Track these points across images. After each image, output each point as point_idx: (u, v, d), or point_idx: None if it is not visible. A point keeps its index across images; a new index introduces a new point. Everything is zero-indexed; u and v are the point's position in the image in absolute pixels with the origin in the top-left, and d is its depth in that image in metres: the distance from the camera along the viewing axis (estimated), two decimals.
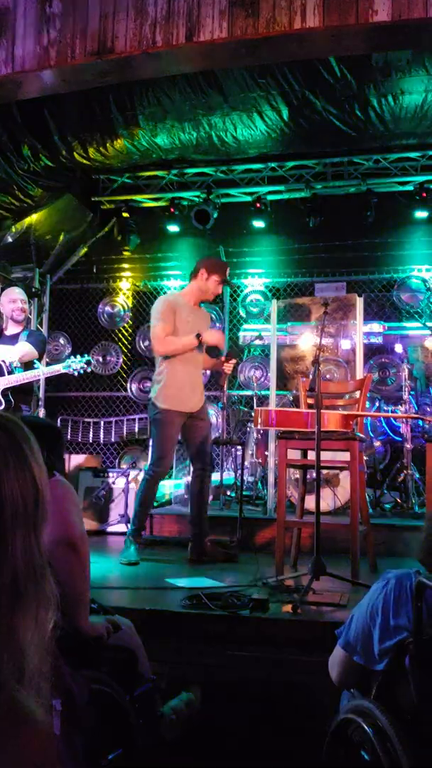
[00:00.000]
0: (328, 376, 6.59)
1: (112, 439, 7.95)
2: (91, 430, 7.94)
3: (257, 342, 7.25)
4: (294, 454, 4.44)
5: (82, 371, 5.07)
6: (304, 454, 4.45)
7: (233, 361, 4.87)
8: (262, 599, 3.26)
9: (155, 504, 6.11)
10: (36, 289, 7.59)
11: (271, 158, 6.97)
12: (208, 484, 4.83)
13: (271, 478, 5.78)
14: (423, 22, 3.64)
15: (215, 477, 5.12)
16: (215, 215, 7.27)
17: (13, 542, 1.01)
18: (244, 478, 6.02)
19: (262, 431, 6.48)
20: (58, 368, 5.04)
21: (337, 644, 1.89)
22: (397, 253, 7.50)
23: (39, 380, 5.23)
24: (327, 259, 7.64)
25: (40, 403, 7.29)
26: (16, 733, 0.89)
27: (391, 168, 7.07)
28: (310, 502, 4.64)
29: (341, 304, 6.56)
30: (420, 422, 6.17)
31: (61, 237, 7.66)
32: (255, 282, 7.93)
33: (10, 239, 7.13)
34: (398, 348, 6.92)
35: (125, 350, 8.36)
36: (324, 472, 5.21)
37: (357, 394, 4.58)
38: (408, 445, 6.08)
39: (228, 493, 6.32)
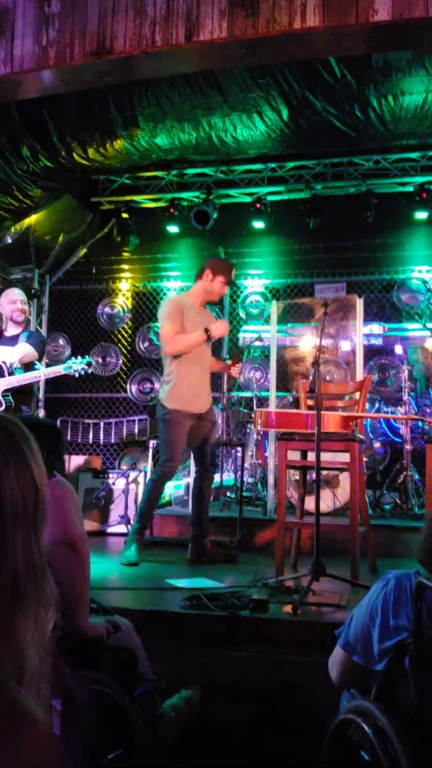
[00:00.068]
0: (327, 378, 6.58)
1: (112, 440, 7.95)
2: (91, 431, 7.94)
3: (257, 343, 7.25)
4: (294, 456, 4.43)
5: (83, 372, 5.07)
6: (304, 455, 4.45)
7: (240, 364, 4.91)
8: (262, 600, 3.26)
9: None
10: (35, 290, 7.59)
11: (270, 159, 6.97)
12: (209, 485, 4.84)
13: (270, 479, 5.78)
14: (423, 21, 3.63)
15: (215, 478, 5.13)
16: (215, 216, 7.27)
17: (13, 542, 1.01)
18: (244, 479, 6.02)
19: (262, 432, 6.47)
20: (59, 369, 5.04)
21: (337, 644, 1.89)
22: (397, 253, 7.50)
23: (39, 381, 5.22)
24: (327, 260, 7.64)
25: (39, 404, 7.29)
26: (16, 734, 0.89)
27: (391, 168, 7.08)
28: (309, 503, 4.64)
29: (341, 305, 6.56)
30: (420, 423, 6.17)
31: (61, 238, 7.66)
32: (255, 283, 7.93)
33: (9, 240, 7.13)
34: (398, 349, 6.93)
35: (125, 351, 8.35)
36: (324, 473, 5.21)
37: (357, 395, 4.58)
38: (408, 447, 6.07)
39: (228, 494, 6.31)
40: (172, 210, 7.52)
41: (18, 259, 7.46)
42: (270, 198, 7.40)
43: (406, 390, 6.18)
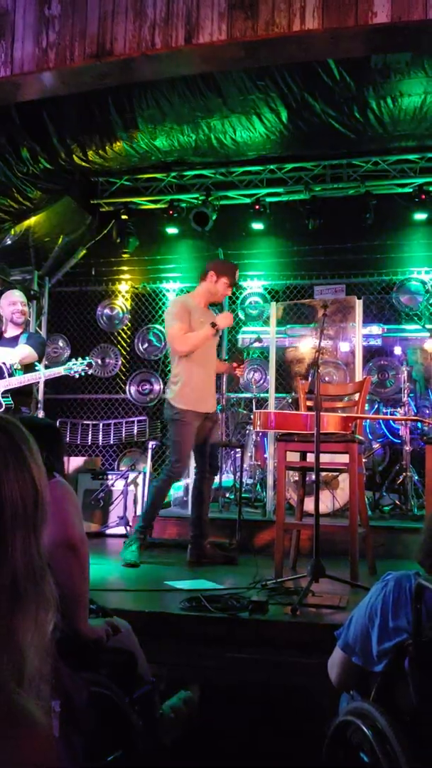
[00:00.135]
0: (327, 379, 6.59)
1: (111, 442, 7.94)
2: (90, 432, 7.93)
3: (256, 344, 7.25)
4: (293, 457, 4.44)
5: (83, 373, 5.07)
6: (303, 457, 4.45)
7: (243, 364, 4.93)
8: (261, 601, 3.26)
9: None
10: (35, 292, 7.59)
11: (270, 160, 6.98)
12: (209, 487, 4.84)
13: (270, 481, 5.78)
14: (423, 23, 3.64)
15: (215, 479, 5.13)
16: (214, 217, 7.28)
17: (13, 543, 1.00)
18: (243, 480, 6.02)
19: (261, 433, 6.48)
20: (59, 370, 5.05)
21: (336, 645, 1.89)
22: (397, 255, 7.50)
23: (38, 382, 5.23)
24: (326, 262, 7.64)
25: (39, 405, 7.29)
26: (16, 735, 0.89)
27: (390, 170, 7.09)
28: (309, 505, 4.64)
29: (340, 306, 6.56)
30: (419, 424, 6.17)
31: (60, 239, 7.67)
32: (254, 284, 7.93)
33: (8, 241, 7.13)
34: (397, 350, 6.93)
35: (124, 353, 8.35)
36: (323, 474, 5.21)
37: (356, 396, 4.58)
38: (407, 448, 6.08)
39: (227, 495, 6.31)
40: (171, 211, 7.53)
41: (17, 261, 7.46)
42: (269, 199, 7.41)
43: (406, 391, 6.19)
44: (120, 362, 8.32)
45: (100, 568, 4.36)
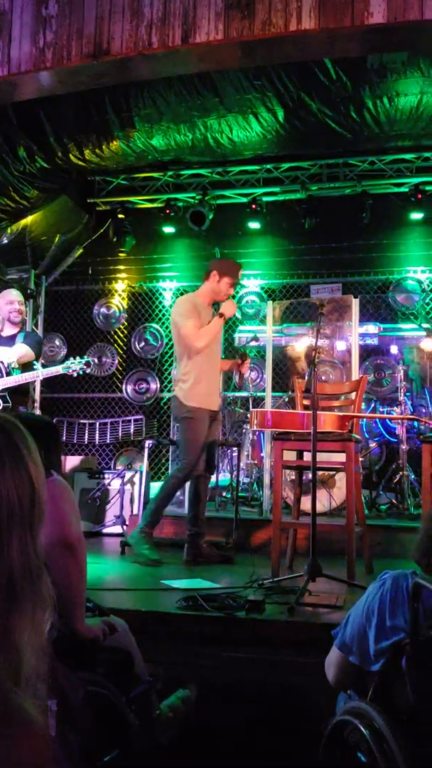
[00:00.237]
0: (323, 378, 6.59)
1: (108, 441, 7.94)
2: (87, 431, 7.93)
3: (253, 343, 7.23)
4: (290, 455, 4.44)
5: (81, 372, 5.08)
6: (300, 455, 4.46)
7: (248, 360, 4.95)
8: (258, 601, 3.26)
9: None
10: (31, 291, 7.58)
11: (266, 160, 6.98)
12: (206, 486, 4.85)
13: (266, 480, 5.78)
14: (418, 24, 3.65)
15: (211, 478, 5.14)
16: (211, 216, 7.28)
17: (9, 542, 1.00)
18: (240, 479, 6.02)
19: (257, 432, 6.48)
20: (58, 369, 5.05)
21: (333, 645, 1.89)
22: (393, 254, 7.51)
23: (34, 381, 5.23)
24: (322, 261, 7.64)
25: (35, 404, 7.28)
26: (12, 735, 0.89)
27: (386, 169, 7.10)
28: (306, 504, 4.65)
29: (337, 305, 6.57)
30: (415, 423, 6.18)
31: (57, 238, 7.66)
32: (250, 283, 7.93)
33: (5, 240, 7.12)
34: (394, 349, 6.94)
35: (120, 352, 8.34)
36: (320, 473, 5.21)
37: (353, 395, 4.58)
38: (404, 446, 6.08)
39: (224, 494, 6.32)
40: (168, 211, 7.53)
41: (14, 260, 7.45)
42: (265, 199, 7.42)
43: (402, 390, 6.20)
44: (116, 361, 8.31)
45: (96, 567, 4.36)
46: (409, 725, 1.60)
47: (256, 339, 6.74)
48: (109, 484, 6.25)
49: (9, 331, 5.05)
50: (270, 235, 7.75)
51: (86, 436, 7.91)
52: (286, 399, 6.57)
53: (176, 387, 4.71)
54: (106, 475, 6.34)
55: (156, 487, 6.71)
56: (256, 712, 2.74)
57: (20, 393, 4.91)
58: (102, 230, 7.94)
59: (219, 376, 4.87)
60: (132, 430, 7.85)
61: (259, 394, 7.00)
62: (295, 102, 5.11)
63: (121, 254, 8.22)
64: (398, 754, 1.52)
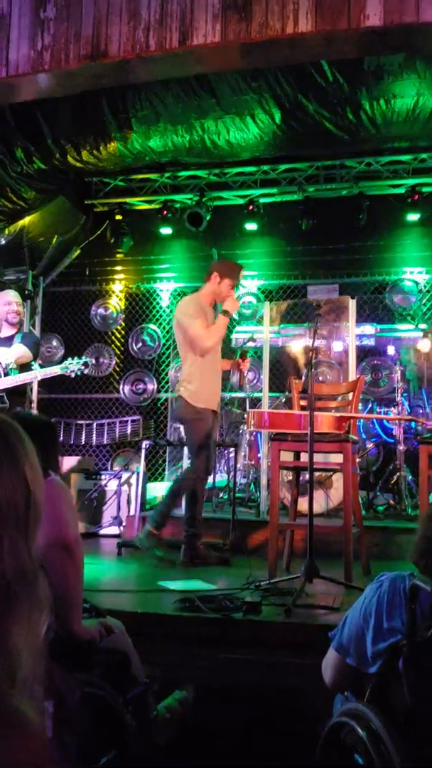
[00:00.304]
0: (320, 378, 6.60)
1: (105, 441, 7.94)
2: (84, 432, 7.93)
3: (250, 344, 7.25)
4: (287, 456, 4.44)
5: (79, 372, 5.08)
6: (297, 456, 4.46)
7: (248, 359, 4.95)
8: (255, 602, 3.26)
9: (147, 507, 6.12)
10: (29, 291, 7.58)
11: (263, 161, 7.00)
12: (203, 487, 4.85)
13: (263, 480, 5.78)
14: (414, 26, 3.66)
15: (208, 479, 5.14)
16: (208, 218, 7.30)
17: (1, 545, 1.00)
18: (237, 480, 6.02)
19: (254, 433, 6.48)
20: (56, 370, 5.05)
21: (330, 646, 1.89)
22: (389, 255, 7.52)
23: (31, 382, 5.24)
24: (319, 262, 7.65)
25: (32, 405, 7.28)
26: (9, 736, 0.89)
27: (383, 171, 7.12)
28: (303, 504, 4.64)
29: (334, 306, 6.58)
30: (413, 424, 6.19)
31: (54, 239, 7.66)
32: (248, 284, 7.93)
33: (2, 241, 7.12)
34: (391, 350, 6.95)
35: (118, 352, 8.34)
36: (317, 474, 5.22)
37: (350, 395, 4.59)
38: (401, 447, 6.09)
39: (221, 495, 6.32)
40: (165, 212, 7.54)
41: (11, 261, 7.45)
42: (263, 200, 7.43)
43: (399, 390, 6.20)
44: (114, 362, 8.31)
45: (93, 568, 4.35)
46: (406, 726, 1.61)
47: (253, 339, 6.76)
48: (106, 485, 6.25)
49: (7, 332, 5.06)
50: (267, 236, 7.76)
51: (83, 437, 7.91)
52: (283, 399, 6.58)
53: (181, 388, 4.69)
54: (103, 476, 6.34)
55: (153, 488, 6.74)
56: (254, 714, 2.74)
57: (18, 393, 4.92)
58: (99, 231, 7.94)
59: (220, 375, 4.91)
60: (129, 431, 7.85)
61: (256, 394, 7.00)
62: (292, 104, 5.12)
63: (118, 255, 8.22)
64: (395, 755, 1.52)
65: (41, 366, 5.38)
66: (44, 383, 7.07)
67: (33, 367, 4.97)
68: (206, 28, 3.90)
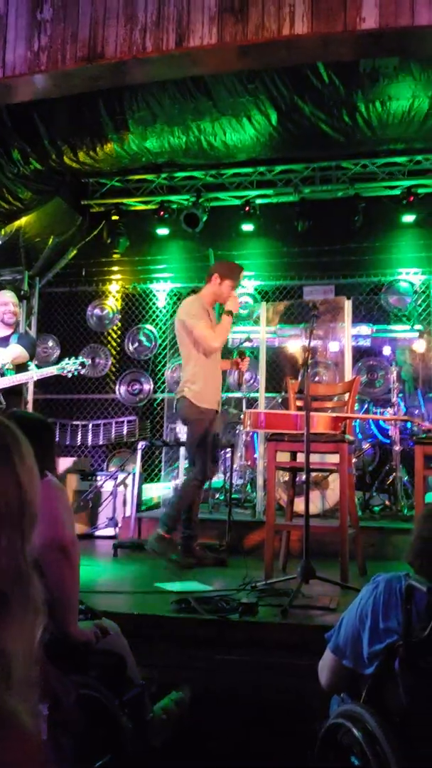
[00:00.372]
0: (317, 379, 6.61)
1: (101, 442, 7.93)
2: (80, 432, 7.92)
3: (246, 344, 7.25)
4: (283, 457, 4.44)
5: (76, 373, 5.08)
6: (293, 457, 4.46)
7: (247, 359, 4.98)
8: (251, 603, 3.27)
9: (143, 508, 6.12)
10: (25, 292, 7.56)
11: (259, 162, 7.01)
12: (201, 487, 4.87)
13: (260, 481, 5.79)
14: (410, 29, 3.68)
15: None
16: (204, 218, 7.30)
17: None
18: (233, 480, 6.02)
19: (251, 433, 6.49)
20: (52, 370, 5.05)
21: (327, 648, 1.89)
22: (385, 256, 7.54)
23: (27, 382, 5.24)
24: (315, 263, 7.66)
25: (28, 405, 7.26)
26: (4, 738, 0.89)
27: (379, 172, 7.14)
28: (299, 505, 4.64)
29: (330, 306, 6.58)
30: (408, 424, 6.20)
31: (51, 240, 7.65)
32: (244, 285, 7.92)
33: None
34: (386, 350, 6.96)
35: (114, 353, 8.34)
36: (313, 474, 5.22)
37: (346, 396, 4.60)
38: (397, 448, 6.10)
39: (217, 496, 6.32)
40: (161, 213, 7.54)
41: (7, 261, 7.44)
42: (259, 201, 7.44)
43: (395, 391, 6.21)
44: (110, 362, 8.31)
45: (89, 569, 4.35)
46: (402, 727, 1.61)
47: (249, 340, 6.77)
48: (101, 486, 6.24)
49: (2, 332, 5.05)
50: (263, 237, 7.77)
51: (79, 438, 7.90)
52: (280, 400, 6.58)
53: (185, 388, 4.67)
54: (99, 477, 6.34)
55: (149, 489, 6.74)
56: (250, 715, 2.74)
57: (14, 394, 4.92)
58: (96, 232, 7.94)
59: (221, 375, 4.93)
60: (125, 432, 7.84)
61: (252, 395, 7.01)
62: (288, 105, 5.13)
63: (114, 256, 8.22)
64: (391, 756, 1.53)
65: (37, 366, 5.38)
66: (40, 384, 7.06)
67: (30, 368, 4.97)
68: (203, 30, 3.91)
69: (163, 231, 7.71)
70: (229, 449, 6.09)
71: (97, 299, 8.38)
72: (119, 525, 5.93)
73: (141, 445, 6.33)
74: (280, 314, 6.92)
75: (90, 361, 8.18)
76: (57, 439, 7.78)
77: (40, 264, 7.81)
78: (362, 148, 6.23)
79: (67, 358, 5.13)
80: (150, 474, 7.51)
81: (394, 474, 6.02)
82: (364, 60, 4.62)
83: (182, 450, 6.36)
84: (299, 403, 4.49)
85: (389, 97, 4.96)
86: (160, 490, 6.86)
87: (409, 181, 7.03)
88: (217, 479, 6.59)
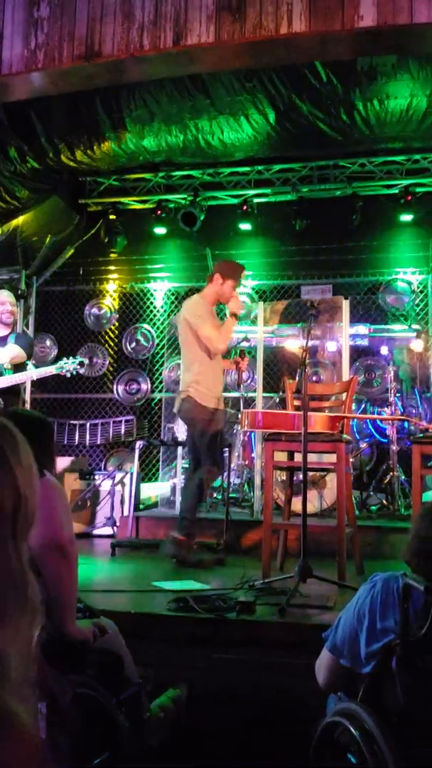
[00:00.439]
0: (314, 378, 6.61)
1: (98, 441, 7.92)
2: (77, 432, 7.91)
3: (244, 344, 7.24)
4: (280, 456, 4.44)
5: (75, 372, 5.07)
6: (291, 456, 4.46)
7: (246, 359, 5.01)
8: (248, 602, 3.26)
9: (140, 507, 6.12)
10: (22, 291, 7.56)
11: (257, 161, 7.01)
12: (215, 480, 4.92)
13: (257, 480, 5.79)
14: (408, 27, 3.67)
15: None
16: (202, 217, 7.30)
17: None
18: (231, 480, 6.02)
19: (248, 433, 6.48)
20: (51, 369, 5.05)
21: (324, 647, 1.89)
22: (383, 255, 7.54)
23: (25, 382, 5.23)
24: (313, 262, 7.66)
25: (25, 405, 7.26)
26: (2, 738, 0.89)
27: (377, 171, 7.14)
28: (296, 504, 4.65)
29: (327, 306, 6.58)
30: (406, 424, 6.20)
31: (48, 239, 7.64)
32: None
33: None
34: (384, 350, 6.96)
35: (111, 352, 8.33)
36: (311, 474, 5.22)
37: (343, 395, 4.60)
38: (394, 447, 6.10)
39: (214, 495, 6.31)
40: (159, 212, 7.54)
41: (5, 260, 7.43)
42: (256, 200, 7.44)
43: (392, 391, 6.21)
44: (107, 362, 8.30)
45: (87, 568, 4.35)
46: (399, 726, 1.61)
47: (247, 339, 6.77)
48: (99, 486, 6.23)
49: (0, 332, 5.04)
50: (261, 236, 7.77)
51: (77, 437, 7.89)
52: (277, 400, 6.58)
53: (190, 389, 4.66)
54: (97, 476, 6.33)
55: (147, 488, 6.74)
56: (247, 714, 2.74)
57: (12, 393, 4.91)
58: (93, 231, 7.93)
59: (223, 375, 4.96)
60: (123, 431, 7.83)
61: (250, 394, 7.01)
62: (285, 104, 5.13)
63: (112, 255, 8.21)
64: (388, 754, 1.53)
65: (35, 366, 5.37)
66: (37, 383, 7.06)
67: (28, 367, 4.96)
68: (200, 28, 3.90)
69: (160, 230, 7.71)
70: (226, 449, 6.09)
71: (95, 298, 8.37)
72: (117, 524, 5.93)
73: (139, 444, 6.32)
74: (278, 314, 6.92)
75: (88, 361, 8.18)
76: (55, 438, 7.77)
77: (37, 263, 7.81)
78: (360, 147, 6.23)
79: (65, 358, 5.12)
80: (148, 473, 7.50)
81: (391, 473, 6.02)
82: (362, 58, 4.62)
83: (180, 449, 6.36)
84: (297, 403, 4.49)
85: (387, 95, 4.96)
86: (158, 490, 6.86)
87: (407, 180, 7.04)
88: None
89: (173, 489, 6.54)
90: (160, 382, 7.98)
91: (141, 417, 7.91)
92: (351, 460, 5.36)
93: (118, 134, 5.61)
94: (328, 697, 1.98)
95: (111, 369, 8.31)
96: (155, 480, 7.27)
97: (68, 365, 5.02)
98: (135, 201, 7.76)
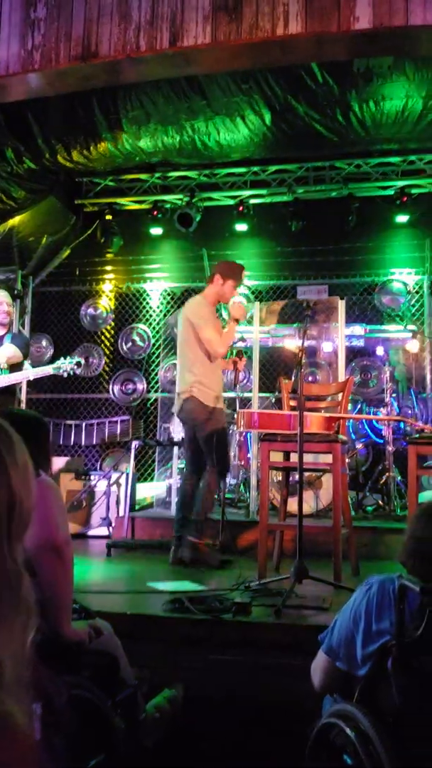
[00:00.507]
0: (310, 379, 6.62)
1: (94, 442, 7.92)
2: (73, 432, 7.90)
3: (240, 344, 7.25)
4: (276, 457, 4.44)
5: (72, 372, 5.07)
6: (287, 457, 4.46)
7: (244, 359, 5.04)
8: (244, 603, 3.26)
9: (136, 507, 6.11)
10: (18, 291, 7.55)
11: (253, 162, 7.02)
12: (222, 479, 4.93)
13: (253, 481, 5.79)
14: (404, 29, 3.68)
15: None
16: (198, 218, 7.30)
17: None
18: (227, 480, 6.02)
19: (244, 433, 6.49)
20: (48, 369, 5.04)
21: (320, 650, 1.89)
22: (378, 256, 7.55)
23: (20, 382, 5.23)
24: (309, 263, 7.67)
25: (21, 405, 7.24)
26: None
27: (372, 173, 7.15)
28: (292, 505, 4.65)
29: (323, 306, 6.59)
30: (401, 424, 6.21)
31: (44, 239, 7.63)
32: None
33: None
34: (380, 351, 6.96)
35: (107, 352, 8.33)
36: (306, 474, 5.23)
37: (339, 396, 4.60)
38: (390, 448, 6.11)
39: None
40: (155, 212, 7.54)
41: (1, 261, 7.42)
42: (252, 201, 7.45)
43: (388, 391, 6.22)
44: (103, 362, 8.29)
45: (82, 569, 4.34)
46: (395, 727, 1.61)
47: (243, 340, 6.77)
48: (95, 486, 6.23)
49: None
50: (257, 236, 7.77)
51: (72, 437, 7.88)
52: (273, 400, 6.58)
53: (194, 389, 4.65)
54: (93, 477, 6.32)
55: (142, 488, 6.73)
56: (243, 715, 2.74)
57: (8, 393, 4.91)
58: (89, 231, 7.93)
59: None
60: (118, 431, 7.83)
61: (245, 394, 7.01)
62: (281, 105, 5.13)
63: (108, 255, 8.21)
64: (384, 755, 1.53)
65: (32, 366, 5.37)
66: (33, 383, 7.04)
67: (24, 367, 4.96)
68: (197, 29, 3.91)
69: (156, 231, 7.71)
70: None
71: (91, 299, 8.36)
72: (113, 525, 5.92)
73: (134, 444, 6.32)
74: (274, 314, 6.92)
75: (84, 361, 8.17)
76: (50, 438, 7.75)
77: (33, 263, 7.79)
78: (356, 148, 6.24)
79: (62, 358, 5.12)
80: (143, 474, 7.50)
81: (387, 474, 6.03)
82: (358, 60, 4.63)
83: (176, 450, 6.36)
84: (293, 403, 4.50)
85: (383, 96, 4.97)
86: (154, 490, 6.85)
87: (402, 181, 7.05)
88: None
89: (169, 489, 6.54)
90: (156, 383, 7.98)
91: (137, 417, 7.91)
92: (347, 460, 5.37)
93: (115, 135, 5.61)
94: (324, 698, 1.99)
95: (107, 369, 8.31)
96: (151, 480, 7.27)
97: (65, 365, 5.02)
98: (131, 201, 7.76)
